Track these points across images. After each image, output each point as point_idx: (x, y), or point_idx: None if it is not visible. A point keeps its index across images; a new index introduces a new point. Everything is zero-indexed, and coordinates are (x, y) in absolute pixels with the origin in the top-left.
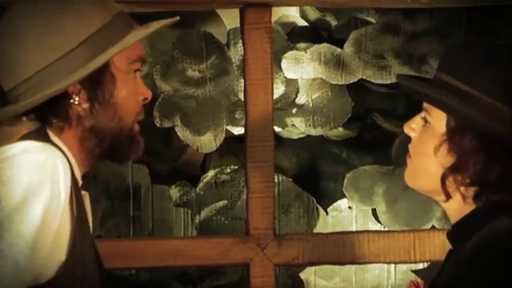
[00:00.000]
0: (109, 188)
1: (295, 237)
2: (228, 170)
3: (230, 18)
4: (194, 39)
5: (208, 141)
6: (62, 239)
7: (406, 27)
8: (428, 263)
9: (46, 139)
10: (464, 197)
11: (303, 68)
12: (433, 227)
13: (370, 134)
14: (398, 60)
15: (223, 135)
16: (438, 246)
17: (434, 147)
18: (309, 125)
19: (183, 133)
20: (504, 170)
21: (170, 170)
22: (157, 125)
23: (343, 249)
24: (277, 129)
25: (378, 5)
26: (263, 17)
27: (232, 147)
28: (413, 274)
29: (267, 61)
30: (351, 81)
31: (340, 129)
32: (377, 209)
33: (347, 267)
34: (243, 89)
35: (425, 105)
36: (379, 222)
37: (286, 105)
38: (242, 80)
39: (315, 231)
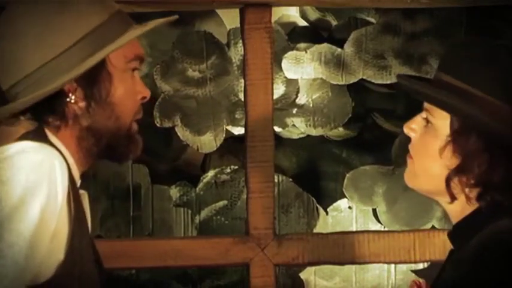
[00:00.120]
0: (109, 188)
1: (295, 237)
2: (228, 170)
3: (230, 18)
4: (194, 39)
5: (208, 141)
6: (60, 239)
7: (406, 27)
8: (429, 263)
9: (44, 139)
10: (467, 198)
11: (303, 68)
12: (433, 227)
13: (370, 134)
14: (398, 60)
15: (224, 135)
16: (438, 246)
17: (439, 149)
18: (309, 125)
19: (183, 133)
20: (509, 171)
21: (170, 170)
22: (158, 125)
23: (343, 249)
24: (277, 129)
25: (378, 5)
26: (263, 17)
27: (232, 147)
28: (413, 274)
29: (267, 61)
30: (351, 81)
31: (341, 129)
32: (377, 209)
33: (347, 267)
34: (243, 89)
35: (426, 105)
36: (379, 222)
37: (287, 105)
38: (242, 80)
39: (315, 231)
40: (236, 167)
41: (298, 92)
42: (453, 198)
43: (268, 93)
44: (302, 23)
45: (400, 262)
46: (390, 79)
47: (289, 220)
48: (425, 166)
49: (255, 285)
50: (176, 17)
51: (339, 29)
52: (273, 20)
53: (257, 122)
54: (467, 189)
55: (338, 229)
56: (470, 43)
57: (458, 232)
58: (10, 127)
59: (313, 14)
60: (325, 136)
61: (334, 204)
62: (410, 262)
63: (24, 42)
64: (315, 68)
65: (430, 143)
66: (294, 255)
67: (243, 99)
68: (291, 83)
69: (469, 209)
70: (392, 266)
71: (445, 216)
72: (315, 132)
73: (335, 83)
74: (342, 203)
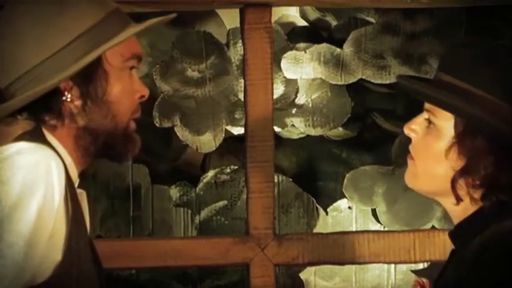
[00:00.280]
0: (109, 188)
1: (295, 237)
2: (228, 170)
3: (230, 18)
4: (194, 39)
5: (207, 141)
6: (57, 239)
7: (405, 27)
8: (428, 263)
9: (41, 139)
10: (472, 198)
11: (302, 68)
12: (433, 227)
13: (370, 134)
14: (398, 60)
15: (223, 135)
16: (438, 246)
17: (444, 150)
18: (309, 125)
19: (182, 133)
20: None
21: (170, 170)
22: (157, 125)
23: (343, 249)
24: (277, 129)
25: (377, 5)
26: (263, 17)
27: (232, 147)
28: (413, 274)
29: (267, 61)
30: (350, 81)
31: (340, 129)
32: (377, 209)
33: (347, 267)
34: (242, 89)
35: (428, 106)
36: (379, 222)
37: (286, 105)
38: (242, 80)
39: (315, 231)
40: (236, 167)
41: (297, 92)
42: (459, 199)
43: (268, 93)
44: (302, 23)
45: (400, 262)
46: (389, 79)
47: (289, 220)
48: (428, 167)
49: (255, 285)
50: (174, 15)
51: (339, 29)
52: (273, 20)
53: (257, 122)
54: (471, 190)
55: (338, 229)
56: (471, 43)
57: (460, 232)
58: (7, 127)
59: (313, 14)
60: (325, 136)
61: (334, 205)
62: (410, 262)
63: (22, 40)
64: (314, 68)
65: (433, 144)
66: (294, 255)
67: (242, 99)
68: (290, 83)
69: (471, 208)
70: (392, 266)
71: (445, 216)
72: (314, 132)
73: (334, 83)
74: (342, 203)
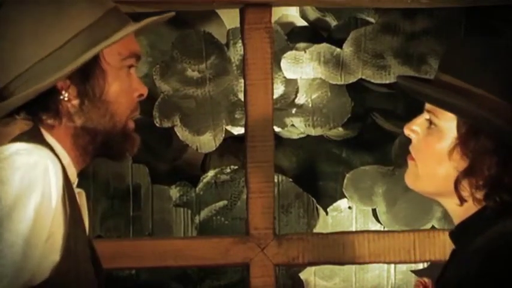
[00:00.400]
0: (109, 188)
1: (295, 237)
2: (228, 170)
3: (230, 18)
4: (194, 39)
5: (207, 141)
6: (55, 240)
7: (405, 27)
8: (428, 263)
9: (38, 139)
10: (474, 198)
11: (302, 68)
12: (433, 227)
13: (370, 134)
14: (397, 60)
15: (223, 135)
16: (438, 246)
17: (447, 151)
18: (309, 125)
19: (182, 133)
20: None
21: (170, 170)
22: (157, 125)
23: (343, 249)
24: (277, 129)
25: (377, 5)
26: (263, 17)
27: (232, 147)
28: (413, 274)
29: (267, 61)
30: (350, 81)
31: (340, 129)
32: (377, 209)
33: (347, 267)
34: (242, 89)
35: (428, 106)
36: (379, 222)
37: (286, 105)
38: (242, 80)
39: (315, 231)
40: (236, 167)
41: (297, 92)
42: (462, 200)
43: (268, 93)
44: (301, 23)
45: (400, 262)
46: (389, 79)
47: (289, 220)
48: (430, 168)
49: (255, 285)
50: (172, 13)
51: (339, 29)
52: (273, 20)
53: (257, 122)
54: (474, 190)
55: (338, 229)
56: (470, 42)
57: (462, 232)
58: (5, 128)
59: (313, 14)
60: (325, 136)
61: (334, 204)
62: (410, 262)
63: (20, 39)
64: (314, 68)
65: (435, 144)
66: (294, 255)
67: (242, 99)
68: (290, 83)
69: (472, 209)
70: (392, 266)
71: (445, 216)
72: (314, 132)
73: (334, 82)
74: (342, 203)
